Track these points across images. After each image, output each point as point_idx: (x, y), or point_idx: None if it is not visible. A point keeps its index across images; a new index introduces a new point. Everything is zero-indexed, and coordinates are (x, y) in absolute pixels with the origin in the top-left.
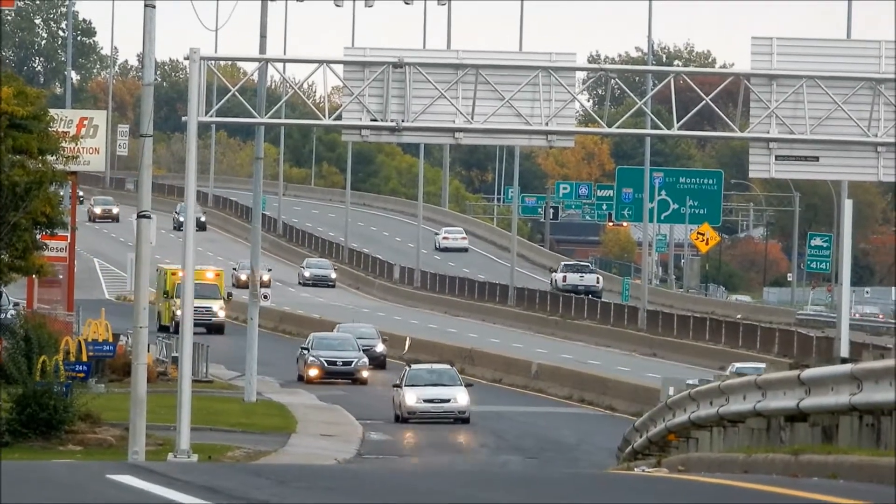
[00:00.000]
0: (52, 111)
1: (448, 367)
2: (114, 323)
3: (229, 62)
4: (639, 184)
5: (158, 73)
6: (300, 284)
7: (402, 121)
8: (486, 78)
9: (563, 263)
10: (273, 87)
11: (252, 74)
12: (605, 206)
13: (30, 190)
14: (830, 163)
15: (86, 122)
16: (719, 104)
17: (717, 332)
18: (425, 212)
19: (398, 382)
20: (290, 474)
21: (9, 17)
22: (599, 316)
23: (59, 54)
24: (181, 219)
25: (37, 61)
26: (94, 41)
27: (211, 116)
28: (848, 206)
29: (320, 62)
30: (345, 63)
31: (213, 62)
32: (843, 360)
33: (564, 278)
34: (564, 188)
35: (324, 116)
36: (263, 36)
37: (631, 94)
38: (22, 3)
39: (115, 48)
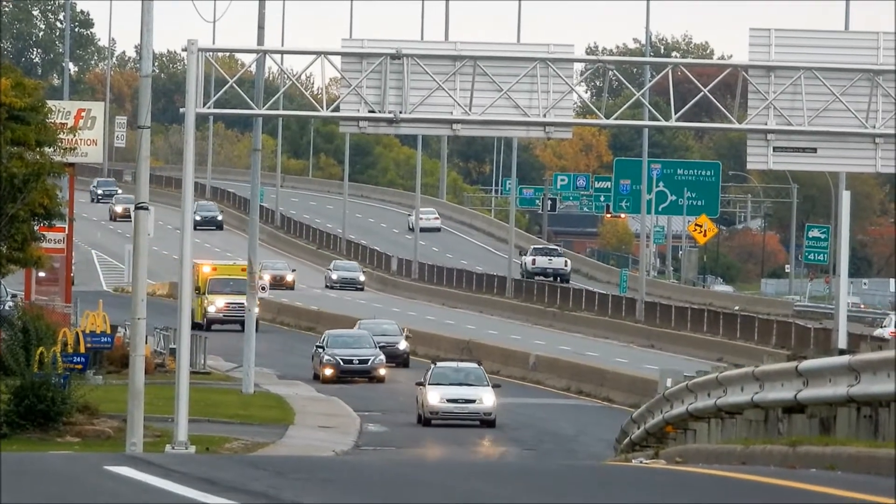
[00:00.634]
0: (50, 102)
1: (475, 365)
2: (112, 315)
3: (227, 54)
4: (637, 175)
5: (156, 64)
6: (327, 287)
7: (400, 112)
8: (483, 69)
9: (532, 247)
10: (271, 78)
11: (250, 66)
12: (602, 198)
13: (28, 181)
14: (828, 154)
15: (83, 114)
16: (717, 96)
17: (714, 324)
18: (423, 203)
19: (422, 381)
20: (288, 466)
21: (6, 9)
22: (597, 307)
23: (56, 45)
24: (197, 218)
25: (34, 52)
26: (91, 32)
27: (209, 108)
28: (846, 197)
29: (318, 53)
30: (343, 54)
31: (210, 54)
32: (841, 352)
33: (533, 261)
34: (562, 180)
35: (322, 108)
36: (261, 27)
37: (629, 86)
38: None
39: (113, 39)
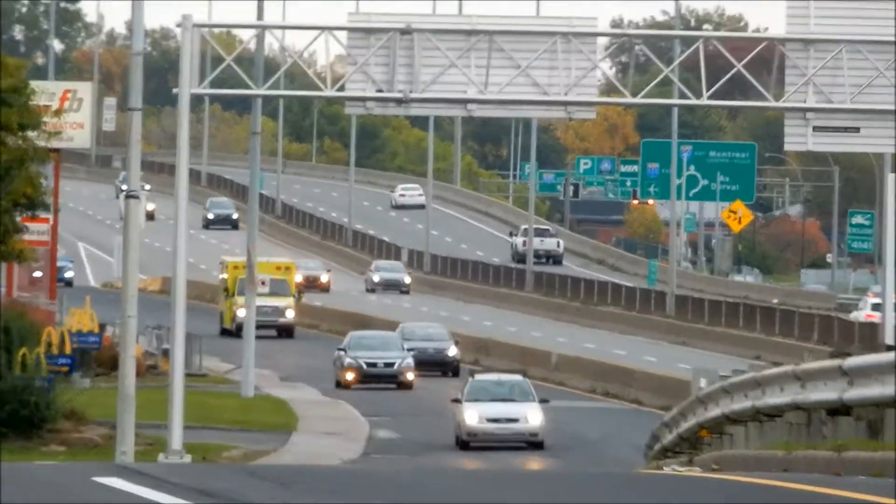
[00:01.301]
0: (34, 83)
1: (520, 378)
2: (100, 312)
3: (224, 29)
4: (666, 158)
5: (148, 41)
6: (368, 290)
7: (410, 92)
8: (500, 45)
9: (522, 227)
10: (271, 56)
11: (249, 42)
12: (629, 183)
13: (10, 169)
14: (872, 134)
15: (70, 95)
16: (752, 72)
17: (751, 319)
18: (435, 190)
19: (458, 397)
20: (292, 475)
21: None
22: (624, 302)
23: (41, 22)
24: (210, 216)
25: (16, 29)
26: (78, 8)
27: (204, 88)
28: (891, 180)
29: (322, 29)
30: (348, 30)
31: (206, 29)
32: (889, 348)
33: (524, 243)
34: (585, 163)
35: (326, 87)
36: (261, 1)
37: (657, 62)
38: None
39: (101, 15)
